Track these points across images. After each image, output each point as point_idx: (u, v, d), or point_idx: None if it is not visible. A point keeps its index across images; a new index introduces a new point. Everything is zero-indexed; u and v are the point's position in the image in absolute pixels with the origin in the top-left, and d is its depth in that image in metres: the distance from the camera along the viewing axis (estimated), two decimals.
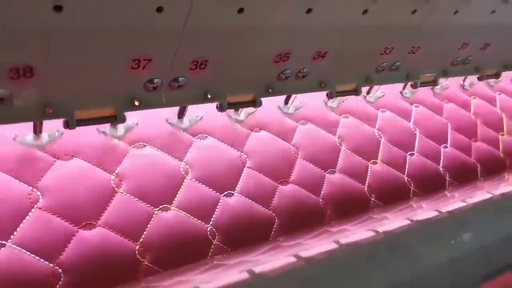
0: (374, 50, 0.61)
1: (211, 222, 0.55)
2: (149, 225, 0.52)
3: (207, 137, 0.61)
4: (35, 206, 0.48)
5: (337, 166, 0.67)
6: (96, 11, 0.38)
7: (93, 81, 0.45)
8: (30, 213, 0.48)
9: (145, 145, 0.57)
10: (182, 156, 0.58)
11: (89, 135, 0.55)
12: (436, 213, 0.61)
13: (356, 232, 0.54)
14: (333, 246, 0.50)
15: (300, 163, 0.64)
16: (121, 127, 0.57)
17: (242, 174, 0.60)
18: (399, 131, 0.76)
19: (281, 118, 0.68)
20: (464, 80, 0.89)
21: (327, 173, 0.66)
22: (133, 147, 0.56)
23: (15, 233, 0.46)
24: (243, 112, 0.65)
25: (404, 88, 0.81)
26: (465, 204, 0.63)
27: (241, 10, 0.44)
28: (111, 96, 0.47)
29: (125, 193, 0.53)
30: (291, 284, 0.44)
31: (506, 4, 0.63)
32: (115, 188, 0.52)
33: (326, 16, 0.50)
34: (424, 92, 0.84)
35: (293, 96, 0.66)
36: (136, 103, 0.48)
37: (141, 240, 0.51)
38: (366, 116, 0.75)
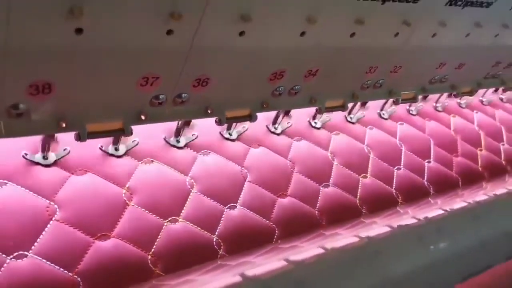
0: (360, 69, 0.66)
1: (216, 233, 0.58)
2: (159, 236, 0.55)
3: (209, 153, 0.65)
4: (53, 219, 0.51)
5: (330, 180, 0.71)
6: (113, 33, 0.42)
7: (105, 97, 0.48)
8: (48, 225, 0.50)
9: (152, 161, 0.60)
10: (187, 171, 0.62)
11: (96, 153, 0.58)
12: (416, 220, 0.66)
13: (346, 236, 0.58)
14: (322, 250, 0.55)
15: (296, 177, 0.69)
16: (122, 147, 0.60)
17: (244, 188, 0.64)
18: (387, 147, 0.81)
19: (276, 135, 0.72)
20: (436, 102, 0.95)
21: (322, 186, 0.70)
22: (142, 163, 0.60)
23: (35, 244, 0.49)
24: (235, 132, 0.69)
25: (382, 108, 0.87)
26: (443, 211, 0.68)
27: (242, 33, 0.49)
28: (120, 111, 0.51)
29: (136, 206, 0.56)
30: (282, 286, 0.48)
31: (479, 28, 0.69)
32: (127, 201, 0.56)
33: (317, 38, 0.55)
34: (400, 113, 0.89)
35: (280, 116, 0.71)
36: (143, 117, 0.52)
37: (152, 250, 0.54)
38: (355, 133, 0.80)
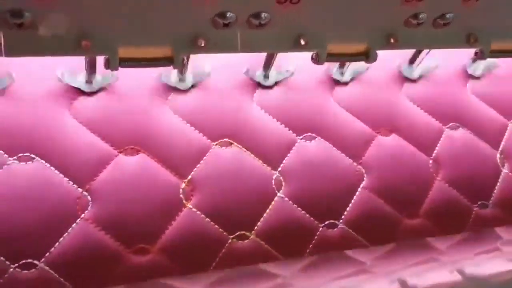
0: None
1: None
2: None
3: (315, 137, 0.45)
4: (82, 216, 0.38)
5: (491, 198, 0.48)
6: None
7: (145, 11, 0.33)
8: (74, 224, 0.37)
9: (231, 143, 0.43)
10: (277, 165, 0.43)
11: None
12: None
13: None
14: None
15: (438, 187, 0.47)
16: (189, 76, 0.44)
17: (355, 197, 0.44)
18: None
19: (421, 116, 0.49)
20: None
21: (476, 206, 0.47)
22: (216, 145, 0.42)
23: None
24: (349, 71, 0.49)
25: None
26: None
27: None
28: (168, 33, 0.35)
29: (194, 209, 0.40)
30: None
31: None
32: (184, 201, 0.40)
33: None
34: None
35: (423, 52, 0.49)
36: (201, 43, 0.36)
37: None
38: None
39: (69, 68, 0.40)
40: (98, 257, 0.36)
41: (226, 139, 0.42)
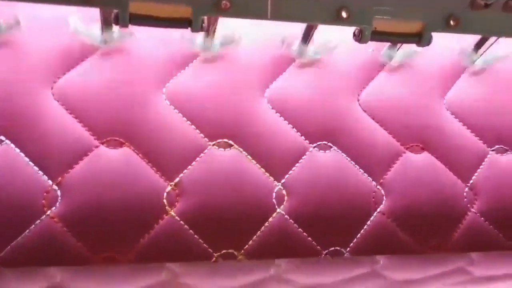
0: None
1: None
2: None
3: (331, 148, 0.38)
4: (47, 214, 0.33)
5: None
6: None
7: None
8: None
9: (231, 145, 0.36)
10: (280, 177, 0.36)
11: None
12: None
13: None
14: None
15: (472, 220, 0.39)
16: (215, 43, 0.38)
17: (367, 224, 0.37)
18: None
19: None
20: None
21: None
22: (213, 145, 0.36)
23: None
24: (401, 52, 0.42)
25: None
26: None
27: None
28: None
29: (177, 217, 0.35)
30: None
31: None
32: (166, 207, 0.35)
33: None
34: None
35: (491, 39, 0.41)
36: (225, 5, 0.31)
37: None
38: None
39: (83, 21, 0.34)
40: (59, 261, 0.31)
41: (225, 140, 0.36)
